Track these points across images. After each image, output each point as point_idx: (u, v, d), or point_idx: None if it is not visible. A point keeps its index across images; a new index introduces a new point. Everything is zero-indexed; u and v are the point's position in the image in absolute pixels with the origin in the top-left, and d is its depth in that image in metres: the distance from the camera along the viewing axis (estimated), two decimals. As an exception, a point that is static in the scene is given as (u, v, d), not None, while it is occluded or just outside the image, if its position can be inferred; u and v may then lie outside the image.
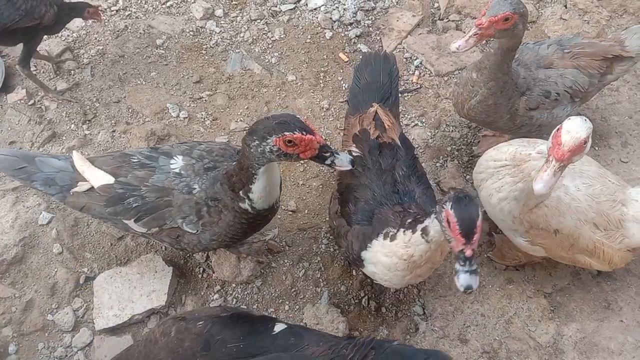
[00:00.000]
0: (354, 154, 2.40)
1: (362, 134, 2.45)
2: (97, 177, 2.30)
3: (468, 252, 1.76)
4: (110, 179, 2.28)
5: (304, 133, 1.82)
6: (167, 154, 2.32)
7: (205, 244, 2.29)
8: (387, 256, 2.12)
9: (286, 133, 1.82)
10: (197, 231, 2.24)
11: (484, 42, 2.27)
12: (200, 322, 2.01)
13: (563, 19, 3.53)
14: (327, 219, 2.90)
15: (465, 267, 1.77)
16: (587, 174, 2.30)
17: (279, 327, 2.03)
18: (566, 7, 3.58)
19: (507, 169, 2.26)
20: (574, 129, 1.93)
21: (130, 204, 2.24)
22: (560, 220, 2.24)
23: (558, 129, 1.98)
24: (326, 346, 1.96)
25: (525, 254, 2.65)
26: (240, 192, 2.11)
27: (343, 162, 1.89)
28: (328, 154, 1.88)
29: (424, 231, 1.97)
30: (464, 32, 3.47)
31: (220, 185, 2.15)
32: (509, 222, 2.33)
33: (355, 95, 2.66)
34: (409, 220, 2.05)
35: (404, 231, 2.05)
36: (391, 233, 2.10)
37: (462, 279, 1.77)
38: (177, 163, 2.28)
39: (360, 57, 2.76)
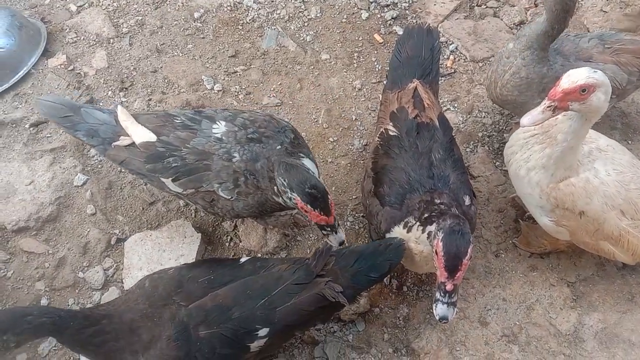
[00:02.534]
0: (390, 133, 2.41)
1: (399, 112, 2.43)
2: (140, 134, 2.35)
3: (448, 287, 1.84)
4: (152, 137, 2.33)
5: (321, 213, 2.10)
6: (210, 118, 2.37)
7: (238, 211, 2.34)
8: None
9: (308, 205, 2.09)
10: (232, 198, 2.29)
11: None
12: (171, 270, 2.16)
13: (603, 11, 3.48)
14: (354, 196, 2.93)
15: (444, 299, 1.87)
16: (619, 162, 2.29)
17: (244, 258, 2.21)
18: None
19: (535, 138, 2.28)
20: (575, 74, 2.00)
21: (170, 164, 2.29)
22: (587, 201, 2.24)
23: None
24: (290, 262, 2.14)
25: (550, 242, 2.65)
26: (275, 188, 2.22)
27: (333, 242, 2.22)
28: (329, 229, 2.18)
29: (430, 235, 2.03)
30: (501, 19, 3.45)
31: (261, 168, 2.25)
32: (536, 196, 2.33)
33: (394, 69, 2.62)
34: (425, 216, 2.08)
35: (418, 226, 2.09)
36: (410, 224, 2.13)
37: (439, 310, 1.89)
38: (220, 128, 2.33)
39: (403, 29, 2.71)
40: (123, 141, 2.38)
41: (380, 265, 2.14)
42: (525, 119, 2.08)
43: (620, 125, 3.05)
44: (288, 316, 2.02)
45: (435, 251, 1.86)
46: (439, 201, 2.13)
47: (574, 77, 1.99)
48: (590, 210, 2.26)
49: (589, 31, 3.38)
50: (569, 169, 2.23)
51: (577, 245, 2.51)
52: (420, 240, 2.10)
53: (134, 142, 2.36)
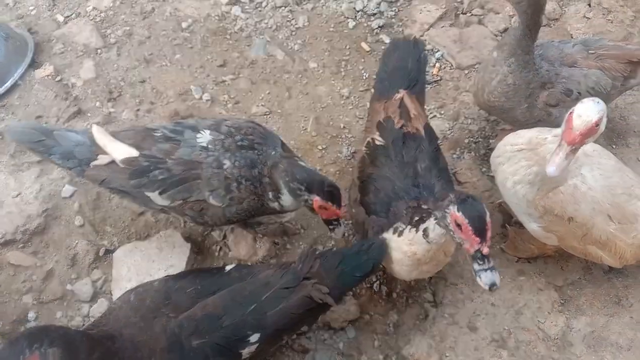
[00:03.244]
0: (377, 142, 2.43)
1: (386, 122, 2.45)
2: (120, 150, 2.33)
3: (485, 250, 1.76)
4: (133, 152, 2.32)
5: (338, 208, 2.25)
6: (193, 128, 2.37)
7: (229, 217, 2.35)
8: (395, 250, 2.18)
9: (329, 203, 2.21)
10: (224, 204, 2.30)
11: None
12: (156, 282, 2.16)
13: (586, 18, 3.53)
14: (343, 204, 2.94)
15: (484, 266, 1.77)
16: (605, 166, 2.32)
17: (229, 266, 2.23)
18: (590, 6, 3.58)
19: (523, 153, 2.29)
20: (585, 112, 1.97)
21: (156, 177, 2.28)
22: (576, 207, 2.26)
23: (570, 112, 2.02)
24: (276, 267, 2.18)
25: (538, 247, 2.67)
26: (271, 194, 2.30)
27: (339, 234, 2.38)
28: (336, 223, 2.32)
29: (425, 232, 2.03)
30: (486, 27, 3.50)
31: (259, 174, 2.30)
32: (524, 206, 2.35)
33: (381, 80, 2.65)
34: (416, 218, 2.09)
35: (410, 228, 2.10)
36: (400, 229, 2.14)
37: (485, 278, 1.78)
38: (204, 137, 2.33)
39: (389, 41, 2.75)
40: (102, 160, 2.36)
41: (365, 264, 2.18)
42: (551, 169, 2.01)
43: (604, 130, 3.08)
44: (279, 320, 2.05)
45: (456, 224, 1.78)
46: (426, 207, 2.14)
47: (586, 117, 1.96)
48: (579, 216, 2.28)
49: (572, 38, 3.43)
50: (557, 183, 2.25)
51: (564, 250, 2.54)
52: (414, 241, 2.09)
53: (113, 160, 2.35)
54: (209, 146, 2.31)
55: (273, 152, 2.34)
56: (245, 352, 2.02)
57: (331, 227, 2.33)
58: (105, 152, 2.36)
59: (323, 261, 2.16)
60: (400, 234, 2.14)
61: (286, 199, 2.31)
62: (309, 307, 2.09)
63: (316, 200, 2.21)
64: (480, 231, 1.75)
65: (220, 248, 2.82)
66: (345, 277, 2.16)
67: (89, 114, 3.26)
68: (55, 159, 2.42)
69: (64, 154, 2.41)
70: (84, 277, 2.75)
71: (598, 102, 2.00)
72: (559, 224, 2.32)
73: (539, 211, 2.32)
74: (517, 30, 2.44)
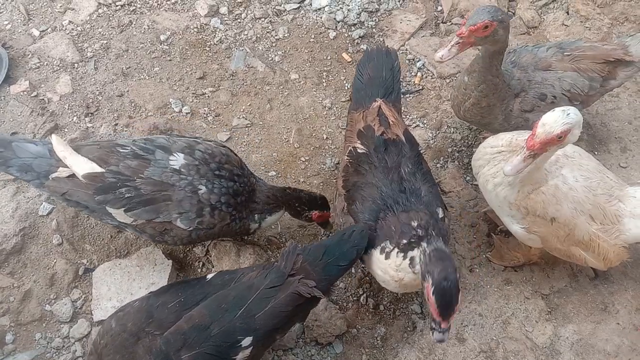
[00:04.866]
0: (359, 150, 2.41)
1: (366, 130, 2.46)
2: (82, 165, 2.29)
3: (444, 325, 1.89)
4: (95, 167, 2.28)
5: (329, 211, 2.60)
6: (165, 149, 2.36)
7: (193, 239, 2.38)
8: (381, 270, 2.19)
9: (324, 211, 2.58)
10: (190, 228, 2.31)
11: (468, 49, 2.35)
12: (136, 302, 2.13)
13: (565, 25, 3.56)
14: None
15: (438, 329, 1.90)
16: (586, 168, 2.33)
17: (211, 275, 2.21)
18: (568, 14, 3.61)
19: (502, 155, 2.31)
20: (549, 122, 1.99)
21: (122, 194, 2.26)
22: (557, 208, 2.26)
23: (540, 118, 2.04)
24: (259, 268, 2.17)
25: (523, 254, 2.67)
26: (256, 216, 2.48)
27: (329, 229, 2.73)
28: (328, 226, 2.69)
29: (412, 261, 2.05)
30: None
31: (245, 201, 2.43)
32: (506, 208, 2.36)
33: (358, 90, 2.67)
34: (404, 242, 2.09)
35: (397, 252, 2.10)
36: (387, 250, 2.13)
37: (436, 336, 1.91)
38: (178, 160, 2.33)
39: (364, 52, 2.77)
40: (62, 172, 2.32)
41: (348, 252, 2.19)
42: (508, 169, 2.09)
43: (586, 137, 3.10)
44: (268, 321, 2.04)
45: (427, 296, 1.89)
46: (415, 224, 2.12)
47: (549, 127, 1.99)
48: (561, 216, 2.28)
49: (550, 44, 3.46)
50: (536, 183, 2.26)
51: (549, 257, 2.54)
52: (400, 268, 2.10)
53: (74, 174, 2.30)
54: (182, 170, 2.31)
55: (254, 180, 2.53)
56: (240, 357, 2.01)
57: (327, 226, 2.68)
58: (65, 165, 2.32)
59: (306, 255, 2.16)
60: (388, 256, 2.14)
61: (269, 219, 2.55)
62: (297, 303, 2.09)
63: (315, 213, 2.55)
64: (444, 314, 1.87)
65: (203, 264, 2.76)
66: (330, 268, 2.17)
67: (66, 130, 3.19)
68: (13, 171, 2.38)
69: (22, 167, 2.36)
70: (63, 297, 2.68)
71: (568, 114, 2.00)
72: (542, 225, 2.32)
73: (521, 212, 2.32)
74: (484, 59, 2.44)
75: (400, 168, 2.31)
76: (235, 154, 2.56)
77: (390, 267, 2.12)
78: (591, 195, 2.29)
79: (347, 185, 2.40)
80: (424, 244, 1.99)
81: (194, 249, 2.79)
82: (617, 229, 2.31)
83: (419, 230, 2.09)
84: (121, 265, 2.69)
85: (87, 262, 2.76)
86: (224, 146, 2.54)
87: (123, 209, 2.28)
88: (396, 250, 2.09)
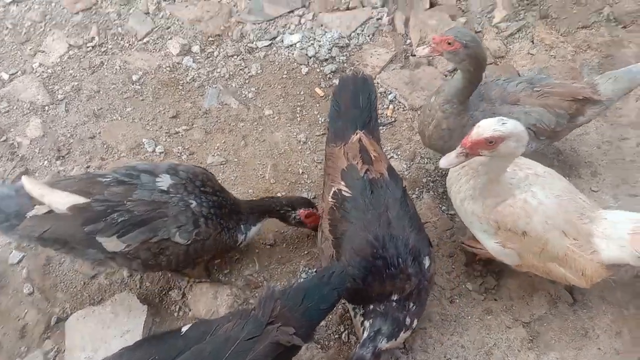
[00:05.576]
0: (344, 193, 2.37)
1: (350, 171, 2.40)
2: (63, 199, 2.25)
3: None
4: (79, 199, 2.24)
5: (317, 211, 2.69)
6: (149, 172, 2.39)
7: (191, 253, 2.39)
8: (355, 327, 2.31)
9: (311, 209, 2.70)
10: (188, 241, 2.34)
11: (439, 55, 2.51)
12: (109, 359, 2.04)
13: (531, 54, 3.65)
14: (305, 252, 2.89)
15: None
16: (557, 186, 2.35)
17: (186, 327, 2.11)
18: (533, 43, 3.71)
19: (464, 170, 2.37)
20: (482, 126, 2.08)
21: (115, 219, 2.24)
22: (527, 221, 2.28)
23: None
24: (236, 318, 2.07)
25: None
26: (242, 227, 2.59)
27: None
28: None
29: (363, 326, 2.18)
30: (435, 67, 3.58)
31: (230, 212, 2.53)
32: (476, 222, 2.40)
33: (334, 120, 2.60)
34: (370, 308, 2.19)
35: (360, 315, 2.22)
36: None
37: None
38: (165, 181, 2.38)
39: (338, 80, 2.75)
40: (40, 210, 2.26)
41: (328, 295, 2.13)
42: (442, 161, 2.19)
43: (557, 163, 3.15)
44: None
45: None
46: (395, 297, 2.18)
47: (481, 130, 2.07)
48: (532, 230, 2.30)
49: (519, 74, 3.54)
50: (499, 196, 2.30)
51: (527, 283, 2.54)
52: (359, 328, 2.21)
53: (51, 210, 2.25)
54: (170, 190, 2.36)
55: (233, 197, 2.65)
56: None
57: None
58: (40, 203, 2.26)
59: (285, 300, 2.08)
60: (355, 315, 2.22)
61: (254, 229, 2.67)
62: (277, 352, 1.99)
63: (302, 212, 2.67)
64: None
65: (180, 308, 2.70)
66: (311, 312, 2.09)
67: (36, 174, 3.13)
68: None
69: None
70: (34, 349, 2.59)
71: (503, 123, 2.07)
72: (515, 240, 2.34)
73: (492, 227, 2.35)
74: (458, 82, 2.51)
75: (388, 212, 2.28)
76: (211, 174, 2.63)
77: (356, 326, 2.20)
78: (562, 211, 2.30)
79: (335, 232, 2.35)
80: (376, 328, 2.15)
81: (169, 292, 2.73)
82: (591, 246, 2.29)
83: (393, 303, 2.17)
84: (95, 312, 2.62)
85: (60, 311, 2.68)
86: (199, 167, 2.62)
87: (116, 235, 2.25)
88: (362, 311, 2.18)
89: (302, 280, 2.79)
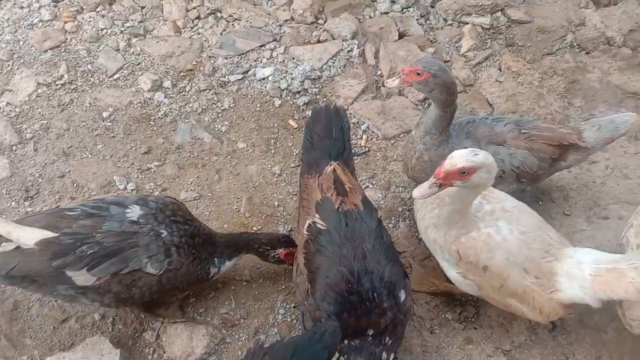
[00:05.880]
0: (319, 226, 2.35)
1: (324, 203, 2.38)
2: (30, 235, 2.22)
3: None
4: (47, 233, 2.22)
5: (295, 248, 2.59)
6: (119, 204, 2.37)
7: (164, 283, 2.35)
8: None
9: (291, 248, 2.64)
10: (160, 272, 2.31)
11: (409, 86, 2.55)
12: None
13: (499, 81, 3.73)
14: (283, 286, 2.85)
15: None
16: (524, 223, 2.35)
17: None
18: (501, 70, 3.79)
19: (431, 198, 2.36)
20: (456, 157, 2.09)
21: (84, 252, 2.20)
22: (489, 256, 2.29)
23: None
24: None
25: (441, 281, 2.69)
26: (216, 260, 2.55)
27: None
28: None
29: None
30: (407, 97, 3.63)
31: (204, 242, 2.51)
32: (439, 251, 2.42)
33: (308, 151, 2.60)
34: (345, 343, 2.16)
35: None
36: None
37: None
38: (134, 212, 2.36)
39: (310, 111, 2.75)
40: (7, 247, 2.23)
41: (319, 354, 2.03)
42: (415, 192, 2.19)
43: (529, 188, 3.18)
44: None
45: None
46: (371, 332, 2.17)
47: (454, 160, 2.09)
48: (493, 265, 2.30)
49: (488, 102, 3.61)
50: (463, 228, 2.31)
51: (504, 309, 2.53)
52: None
53: (18, 246, 2.21)
54: (140, 220, 2.34)
55: (207, 228, 2.63)
56: None
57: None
58: (7, 240, 2.24)
59: (273, 355, 1.98)
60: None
61: (229, 264, 2.62)
62: None
63: (281, 252, 2.64)
64: None
65: (154, 350, 2.62)
66: None
67: (4, 215, 3.04)
68: None
69: None
70: (0, 400, 2.47)
71: (476, 154, 2.08)
72: (475, 272, 2.34)
73: (454, 257, 2.35)
74: (433, 113, 2.54)
75: (363, 245, 2.26)
76: (182, 203, 2.63)
77: None
78: (525, 249, 2.30)
79: (310, 266, 2.32)
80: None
81: (143, 334, 2.65)
82: (552, 285, 2.29)
83: (369, 338, 2.15)
84: (65, 359, 2.52)
85: (28, 358, 2.57)
86: (169, 197, 2.64)
87: (86, 267, 2.21)
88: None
89: (292, 336, 2.74)
